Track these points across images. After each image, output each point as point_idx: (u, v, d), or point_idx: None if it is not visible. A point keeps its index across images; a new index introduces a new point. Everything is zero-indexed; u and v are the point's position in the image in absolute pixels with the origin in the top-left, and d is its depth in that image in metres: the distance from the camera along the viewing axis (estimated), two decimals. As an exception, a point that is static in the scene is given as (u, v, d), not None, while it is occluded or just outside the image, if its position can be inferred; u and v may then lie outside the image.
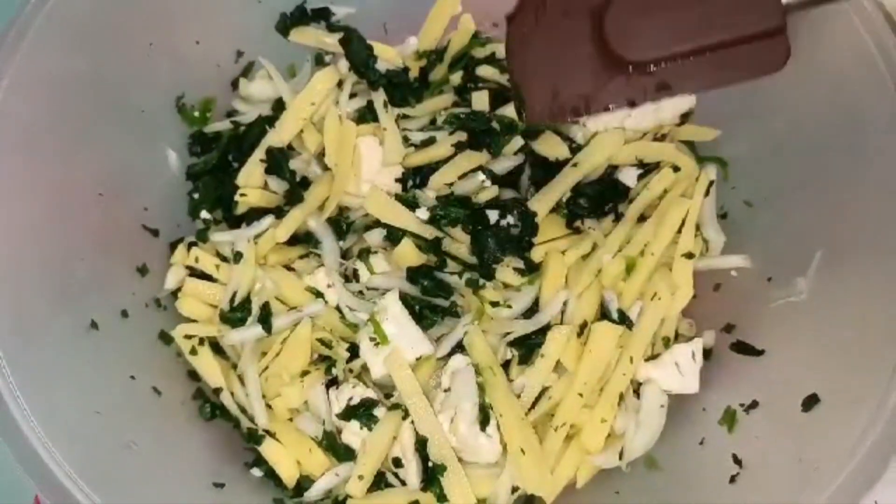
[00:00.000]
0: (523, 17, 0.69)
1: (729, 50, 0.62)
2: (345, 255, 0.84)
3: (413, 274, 0.81)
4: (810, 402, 0.65)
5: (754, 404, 0.71)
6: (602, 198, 0.84)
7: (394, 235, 0.82)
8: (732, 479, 0.66)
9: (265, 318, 0.80)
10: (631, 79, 0.66)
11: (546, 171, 0.85)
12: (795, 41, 0.65)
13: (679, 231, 0.81)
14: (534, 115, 0.70)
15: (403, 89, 0.90)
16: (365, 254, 0.83)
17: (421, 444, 0.75)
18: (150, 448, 0.69)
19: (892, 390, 0.58)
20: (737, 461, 0.67)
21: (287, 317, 0.80)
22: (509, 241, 0.80)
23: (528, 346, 0.79)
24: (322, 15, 0.91)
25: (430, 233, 0.81)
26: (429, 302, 0.80)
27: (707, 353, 0.79)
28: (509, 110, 0.87)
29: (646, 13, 0.63)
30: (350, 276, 0.83)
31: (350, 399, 0.76)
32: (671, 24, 0.63)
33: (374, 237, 0.83)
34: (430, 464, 0.75)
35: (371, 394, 0.77)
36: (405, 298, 0.79)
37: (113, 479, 0.62)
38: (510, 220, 0.81)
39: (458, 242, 0.82)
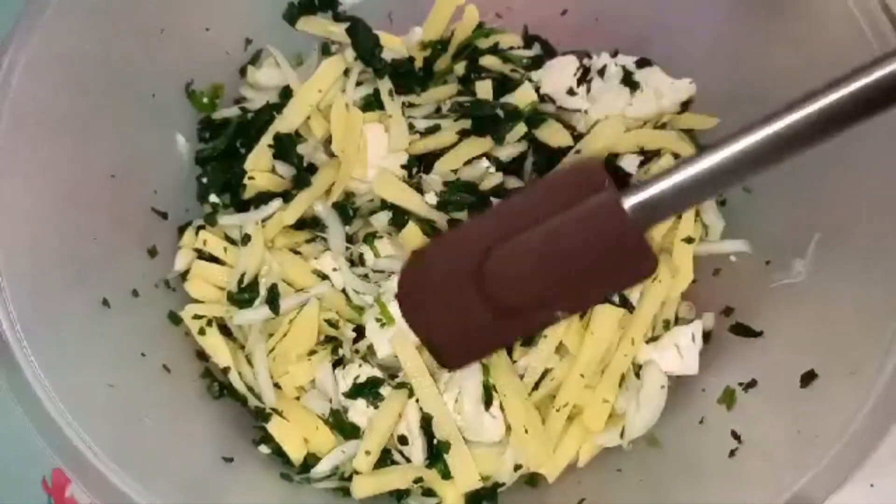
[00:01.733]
0: (407, 291, 0.75)
1: (602, 273, 0.69)
2: (350, 239, 0.85)
3: (418, 258, 0.82)
4: (808, 378, 0.66)
5: (753, 383, 0.72)
6: (604, 184, 0.86)
7: (399, 220, 0.83)
8: (732, 454, 0.67)
9: (272, 300, 0.81)
10: (523, 318, 0.72)
11: (549, 158, 0.86)
12: (788, 31, 0.72)
13: (679, 216, 0.82)
14: (449, 366, 0.76)
15: (409, 78, 0.92)
16: (370, 238, 0.84)
17: (426, 423, 0.76)
18: (162, 422, 0.71)
19: (887, 364, 0.60)
20: (736, 437, 0.68)
21: (294, 298, 0.81)
22: None
23: (530, 329, 0.80)
24: (329, 4, 0.92)
25: (438, 217, 0.82)
26: (433, 285, 0.82)
27: (707, 336, 0.80)
28: (513, 99, 0.88)
29: (517, 266, 0.69)
30: (356, 260, 0.84)
31: (356, 378, 0.78)
32: (544, 271, 0.69)
33: (380, 221, 0.84)
34: (434, 441, 0.76)
35: (377, 373, 0.78)
36: (410, 281, 0.80)
37: (126, 449, 0.63)
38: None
39: None
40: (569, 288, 0.70)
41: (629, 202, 0.63)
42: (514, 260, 0.69)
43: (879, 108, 0.55)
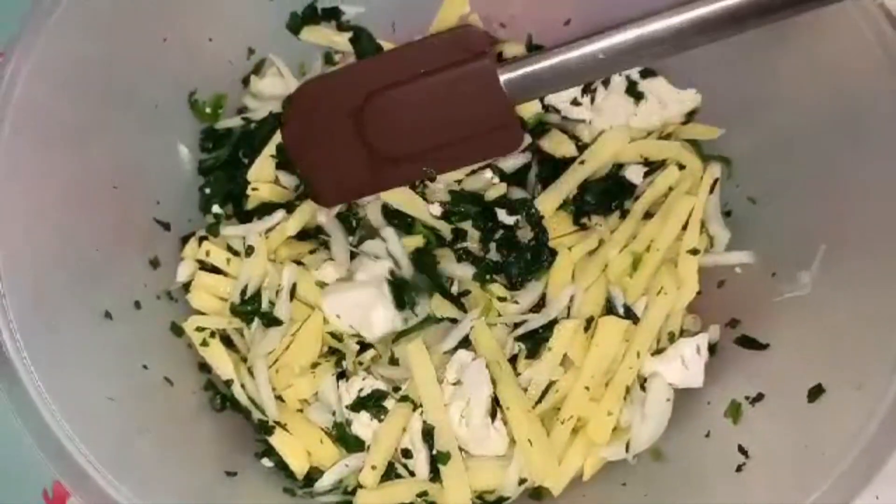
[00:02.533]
0: (294, 123, 0.79)
1: (473, 139, 0.74)
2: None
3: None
4: (815, 392, 0.66)
5: (759, 397, 0.71)
6: (608, 195, 0.85)
7: (403, 230, 0.83)
8: (739, 469, 0.67)
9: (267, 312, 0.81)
10: (396, 167, 0.77)
11: (553, 168, 0.86)
12: (791, 40, 0.72)
13: (684, 228, 0.82)
14: (322, 202, 0.81)
15: (412, 88, 0.92)
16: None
17: (429, 435, 0.76)
18: (164, 435, 0.70)
19: (895, 378, 0.59)
20: (742, 451, 0.68)
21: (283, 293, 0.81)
22: (520, 247, 0.83)
23: (535, 341, 0.80)
24: (332, 14, 0.91)
25: (442, 226, 0.82)
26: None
27: (712, 348, 0.80)
28: (517, 109, 0.88)
29: (394, 117, 0.73)
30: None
31: (360, 391, 0.77)
32: (418, 126, 0.73)
33: (384, 232, 0.84)
34: (434, 452, 0.75)
35: (381, 385, 0.78)
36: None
37: (126, 462, 0.63)
38: (518, 219, 0.83)
39: (471, 241, 0.83)
40: (440, 146, 0.74)
41: (505, 76, 0.68)
42: (391, 108, 0.73)
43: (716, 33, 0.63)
